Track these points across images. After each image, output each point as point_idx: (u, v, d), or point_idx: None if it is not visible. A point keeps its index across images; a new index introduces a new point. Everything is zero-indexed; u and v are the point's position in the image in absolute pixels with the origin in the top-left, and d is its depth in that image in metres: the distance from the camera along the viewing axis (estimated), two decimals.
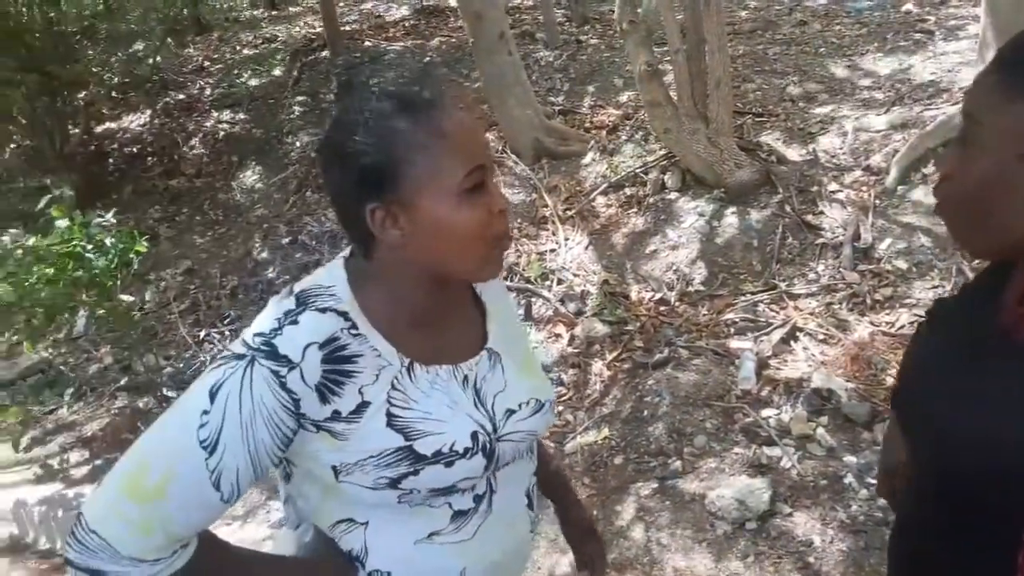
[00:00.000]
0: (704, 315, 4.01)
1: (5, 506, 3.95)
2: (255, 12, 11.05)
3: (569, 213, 5.14)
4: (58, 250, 3.93)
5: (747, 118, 5.29)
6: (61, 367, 5.55)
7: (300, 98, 8.10)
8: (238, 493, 0.92)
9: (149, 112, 8.74)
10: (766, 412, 3.28)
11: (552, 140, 5.80)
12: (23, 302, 3.99)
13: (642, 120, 5.49)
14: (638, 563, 2.75)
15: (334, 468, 0.97)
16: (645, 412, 3.44)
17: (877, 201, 4.29)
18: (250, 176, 7.47)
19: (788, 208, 4.40)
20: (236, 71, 9.09)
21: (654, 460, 3.20)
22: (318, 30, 9.30)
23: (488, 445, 1.03)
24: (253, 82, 8.75)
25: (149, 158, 8.21)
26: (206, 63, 9.50)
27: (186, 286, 6.29)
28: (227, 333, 5.42)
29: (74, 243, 3.95)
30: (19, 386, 5.43)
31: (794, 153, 4.84)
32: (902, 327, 3.57)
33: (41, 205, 4.42)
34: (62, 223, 3.98)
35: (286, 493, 1.11)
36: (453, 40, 8.30)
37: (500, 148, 5.96)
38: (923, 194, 4.19)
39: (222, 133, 8.19)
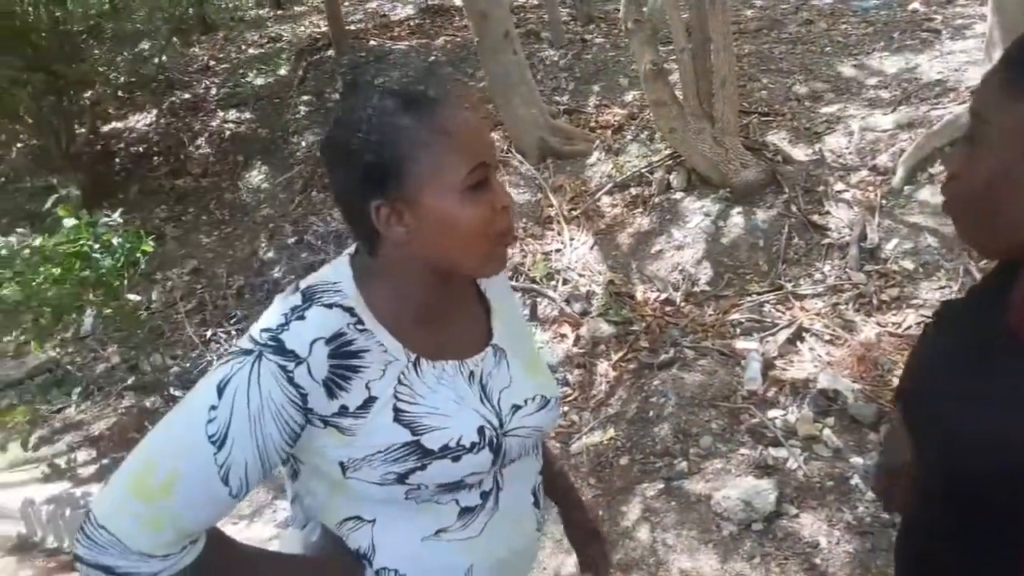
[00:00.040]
0: (710, 315, 4.00)
1: (13, 505, 3.97)
2: (260, 11, 11.06)
3: (574, 213, 5.14)
4: (65, 250, 3.94)
5: (753, 117, 5.28)
6: (68, 366, 5.57)
7: (305, 97, 8.11)
8: (246, 489, 0.92)
9: (155, 112, 8.76)
10: (772, 413, 3.28)
11: (557, 140, 5.80)
12: (30, 302, 4.01)
13: (647, 119, 5.48)
14: (644, 564, 2.75)
15: (341, 464, 0.97)
16: (651, 413, 3.44)
17: (883, 201, 4.28)
18: (256, 176, 7.49)
19: (794, 208, 4.39)
20: (242, 70, 9.10)
21: (660, 461, 3.20)
22: (323, 29, 9.31)
23: (495, 440, 1.03)
24: (259, 81, 8.77)
25: (155, 158, 8.23)
26: (212, 63, 9.52)
27: (192, 286, 6.30)
28: (233, 332, 5.43)
29: (81, 242, 3.96)
30: (27, 385, 5.46)
31: (800, 153, 4.83)
32: (909, 328, 3.56)
33: (48, 205, 4.44)
34: (69, 222, 3.99)
35: (293, 492, 1.11)
36: (458, 39, 8.30)
37: (505, 147, 5.96)
38: (930, 194, 4.18)
39: (228, 133, 8.20)
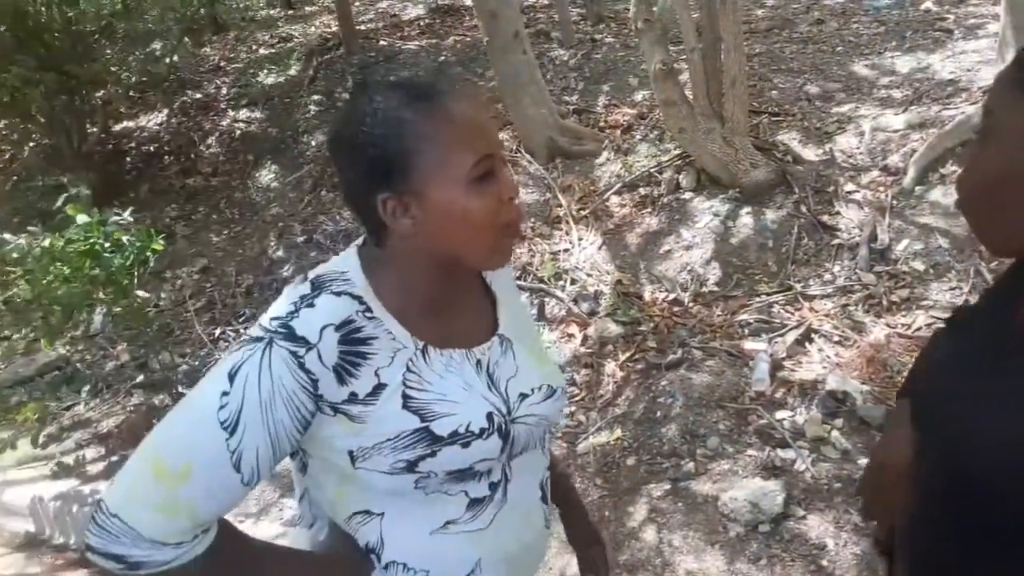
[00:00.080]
0: (718, 316, 3.99)
1: (22, 502, 3.99)
2: (271, 11, 11.09)
3: (583, 213, 5.13)
4: (76, 248, 3.96)
5: (763, 117, 5.27)
6: (78, 364, 5.60)
7: (316, 97, 8.12)
8: (258, 477, 0.93)
9: (166, 111, 8.80)
10: (780, 414, 3.26)
11: (566, 139, 5.79)
12: (40, 300, 4.03)
13: (657, 119, 5.47)
14: (650, 564, 2.74)
15: (351, 453, 0.97)
16: (658, 413, 3.43)
17: (894, 201, 4.25)
18: (266, 175, 7.51)
19: (804, 208, 4.37)
20: (252, 70, 9.13)
21: (667, 461, 3.19)
22: (334, 29, 9.33)
23: (503, 426, 1.04)
24: (269, 81, 8.79)
25: (166, 157, 8.27)
26: (223, 62, 9.55)
27: (202, 284, 6.33)
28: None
29: (91, 241, 3.98)
30: (37, 383, 5.48)
31: (810, 153, 4.81)
32: (919, 329, 3.53)
33: (58, 204, 4.46)
34: (82, 218, 4.01)
35: (301, 489, 1.12)
36: (468, 39, 8.30)
37: (514, 147, 5.96)
38: (941, 194, 4.15)
39: (238, 132, 8.23)
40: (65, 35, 7.34)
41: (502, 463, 1.07)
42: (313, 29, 9.93)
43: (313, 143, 7.51)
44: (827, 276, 4.01)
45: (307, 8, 11.20)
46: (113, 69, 7.88)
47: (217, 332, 5.54)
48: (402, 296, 1.01)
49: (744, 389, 3.44)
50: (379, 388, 0.97)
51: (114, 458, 4.37)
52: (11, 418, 4.70)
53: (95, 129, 8.11)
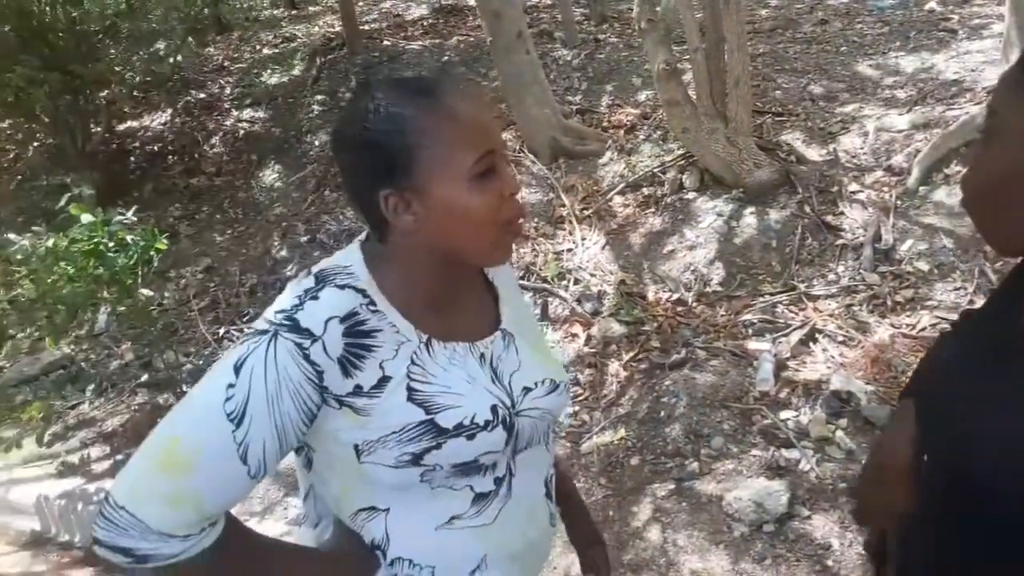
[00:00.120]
0: (722, 316, 3.99)
1: (28, 501, 4.01)
2: (275, 11, 11.10)
3: (586, 213, 5.13)
4: (80, 248, 3.97)
5: (767, 117, 5.26)
6: (83, 363, 5.61)
7: (319, 97, 8.13)
8: (264, 469, 0.93)
9: (170, 111, 8.81)
10: (784, 414, 3.26)
11: (570, 139, 5.79)
12: (45, 299, 4.04)
13: (660, 119, 5.46)
14: (654, 564, 2.74)
15: (356, 447, 0.98)
16: (662, 413, 3.43)
17: (898, 202, 4.25)
18: (269, 175, 7.52)
19: (808, 208, 4.37)
20: (256, 70, 9.14)
21: (671, 461, 3.19)
22: (337, 29, 9.34)
23: (508, 419, 1.04)
24: (273, 81, 8.80)
25: (170, 156, 8.28)
26: (226, 62, 9.57)
27: (206, 284, 6.34)
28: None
29: (96, 241, 3.99)
30: (42, 381, 5.50)
31: (814, 153, 4.81)
32: (923, 329, 3.53)
33: (62, 203, 4.47)
34: (87, 218, 4.02)
35: (306, 486, 1.12)
36: (471, 39, 8.30)
37: (517, 147, 5.97)
38: (945, 195, 4.14)
39: (242, 132, 8.24)
40: (69, 35, 7.35)
41: (507, 457, 1.07)
42: (317, 29, 9.94)
43: (316, 143, 7.52)
44: (831, 276, 4.01)
45: (311, 8, 11.21)
46: (117, 69, 7.89)
47: (221, 331, 5.54)
48: (405, 291, 1.02)
49: (748, 389, 3.44)
50: (384, 381, 0.97)
51: (119, 457, 4.38)
52: (16, 417, 4.72)
53: (99, 129, 8.13)
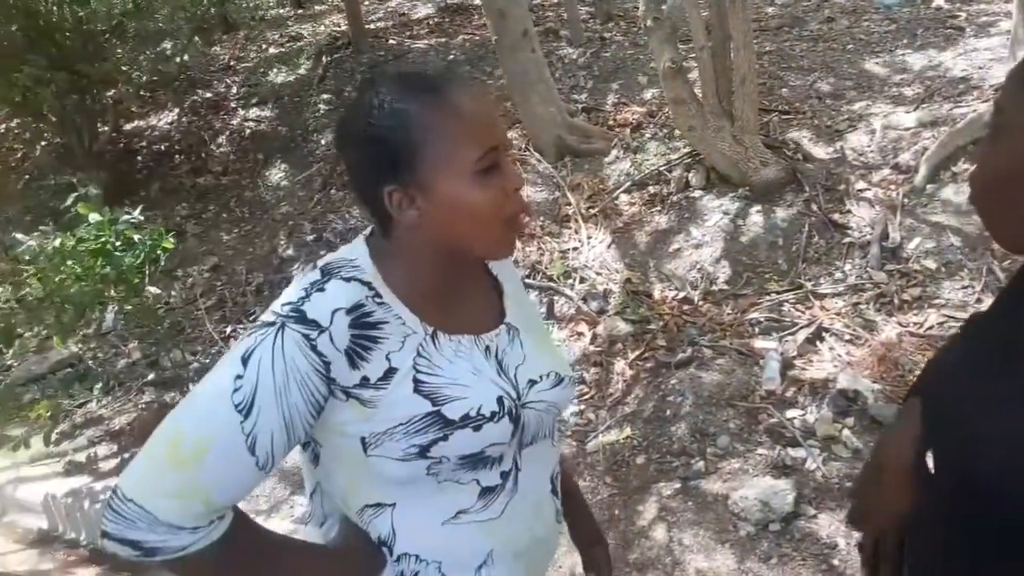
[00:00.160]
0: (728, 314, 3.98)
1: (35, 499, 4.02)
2: (281, 10, 11.11)
3: (592, 211, 5.13)
4: (87, 247, 3.98)
5: (773, 115, 5.25)
6: (90, 362, 5.63)
7: (325, 96, 8.14)
8: (272, 461, 0.93)
9: (177, 110, 8.84)
10: (791, 413, 3.25)
11: (575, 138, 5.79)
12: (53, 298, 4.05)
13: (666, 118, 5.45)
14: (660, 563, 2.74)
15: (363, 440, 0.98)
16: (668, 412, 3.43)
17: (906, 200, 4.23)
18: (276, 174, 7.53)
19: (814, 207, 4.36)
20: (262, 69, 9.15)
21: (676, 460, 3.19)
22: (343, 28, 9.35)
23: (514, 410, 1.05)
24: (279, 80, 8.81)
25: (176, 156, 8.30)
26: (233, 61, 9.58)
27: (212, 283, 6.35)
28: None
29: (103, 240, 4.00)
30: (49, 380, 5.52)
31: (821, 151, 4.79)
32: (931, 328, 3.52)
33: (68, 203, 4.49)
34: (94, 217, 4.04)
35: (313, 484, 1.12)
36: (477, 38, 8.29)
37: (523, 146, 5.96)
38: (953, 193, 4.13)
39: (248, 131, 8.26)
40: (76, 35, 7.37)
41: (513, 451, 1.08)
42: (323, 28, 9.95)
43: (323, 142, 7.52)
44: (838, 275, 4.00)
45: (317, 7, 11.21)
46: (124, 68, 7.91)
47: (228, 330, 5.56)
48: (409, 285, 1.03)
49: (754, 388, 3.43)
50: (390, 372, 0.97)
51: (126, 455, 4.40)
52: (24, 415, 4.73)
53: (106, 128, 8.15)
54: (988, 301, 1.09)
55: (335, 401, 0.95)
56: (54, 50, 7.00)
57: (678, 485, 3.06)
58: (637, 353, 3.89)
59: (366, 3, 10.12)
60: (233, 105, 8.70)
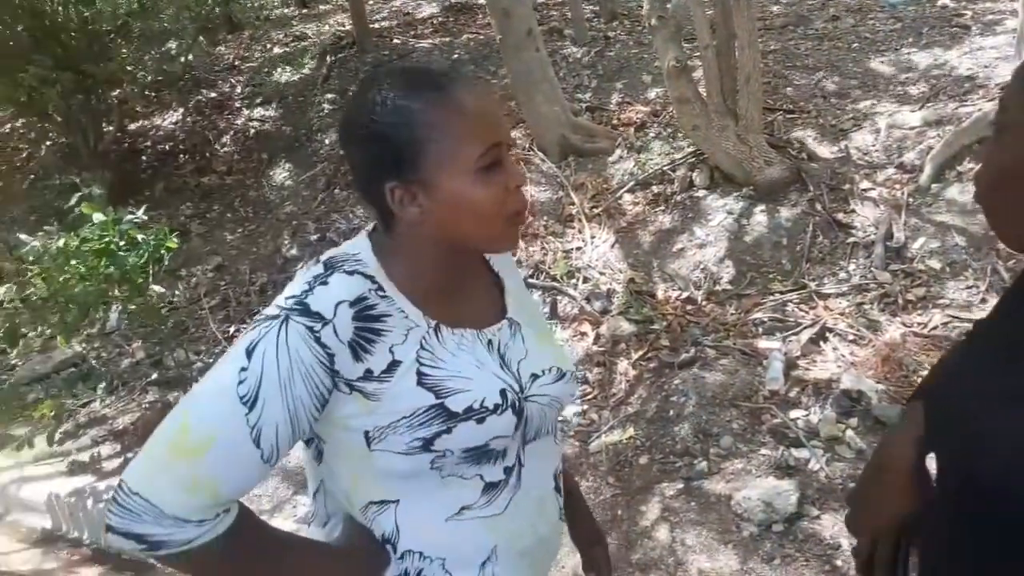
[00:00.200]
0: (732, 314, 3.97)
1: (39, 498, 4.03)
2: (285, 10, 11.14)
3: (596, 211, 5.12)
4: (91, 247, 3.99)
5: (778, 115, 5.23)
6: (94, 361, 5.64)
7: (329, 95, 8.14)
8: (277, 454, 0.93)
9: (181, 110, 8.85)
10: (794, 413, 3.24)
11: (579, 137, 5.78)
12: (57, 298, 4.06)
13: (670, 117, 5.44)
14: (662, 564, 2.73)
15: (366, 434, 0.98)
16: (671, 412, 3.42)
17: (910, 199, 4.22)
18: (280, 173, 7.54)
19: (819, 206, 4.34)
20: (267, 69, 9.17)
21: (679, 460, 3.18)
22: (347, 28, 9.35)
23: (517, 403, 1.05)
24: (283, 80, 8.82)
25: (181, 155, 8.31)
26: (237, 61, 9.60)
27: (216, 282, 6.36)
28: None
29: (107, 239, 4.01)
30: (53, 380, 5.53)
31: (825, 150, 4.78)
32: (935, 328, 3.50)
33: (73, 203, 4.50)
34: (98, 217, 4.05)
35: (316, 483, 1.12)
36: (481, 37, 8.29)
37: (527, 145, 5.96)
38: (958, 192, 4.11)
39: (253, 131, 8.27)
40: (81, 35, 7.39)
41: (516, 445, 1.08)
42: (327, 28, 9.96)
43: (327, 141, 7.53)
44: (842, 274, 3.99)
45: (321, 7, 11.23)
46: (129, 68, 7.93)
47: (231, 330, 5.56)
48: (412, 280, 1.03)
49: (758, 388, 3.42)
50: (394, 365, 0.98)
51: (129, 455, 4.40)
52: (28, 415, 4.75)
53: (111, 128, 8.17)
54: (992, 301, 1.09)
55: (339, 394, 0.96)
56: (59, 50, 7.02)
57: (681, 485, 3.05)
58: (640, 353, 3.88)
59: (370, 2, 10.13)
60: (237, 105, 8.72)
